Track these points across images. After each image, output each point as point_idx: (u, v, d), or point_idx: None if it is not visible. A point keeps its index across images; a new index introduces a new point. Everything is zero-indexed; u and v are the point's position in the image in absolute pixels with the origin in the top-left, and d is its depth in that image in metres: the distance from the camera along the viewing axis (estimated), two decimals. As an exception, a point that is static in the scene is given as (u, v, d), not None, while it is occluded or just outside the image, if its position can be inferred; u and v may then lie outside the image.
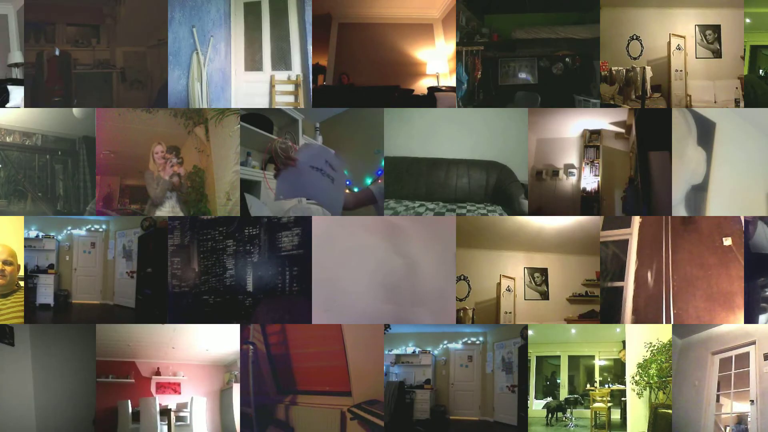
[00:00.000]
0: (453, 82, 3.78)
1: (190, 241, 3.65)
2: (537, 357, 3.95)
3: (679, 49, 3.74)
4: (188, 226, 3.66)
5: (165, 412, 3.94)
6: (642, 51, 3.76)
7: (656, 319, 3.49)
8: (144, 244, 3.86)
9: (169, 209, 3.66)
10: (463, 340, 3.96)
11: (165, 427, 3.90)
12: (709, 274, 3.47)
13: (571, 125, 3.78)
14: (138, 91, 3.82)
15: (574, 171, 3.85)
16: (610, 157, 3.81)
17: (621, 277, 3.57)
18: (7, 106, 3.74)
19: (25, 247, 3.71)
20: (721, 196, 3.58)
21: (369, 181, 3.99)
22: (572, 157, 3.86)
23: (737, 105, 3.66)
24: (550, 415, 3.91)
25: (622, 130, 3.78)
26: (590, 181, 3.80)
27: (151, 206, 3.67)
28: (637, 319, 3.51)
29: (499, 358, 3.89)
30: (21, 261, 3.71)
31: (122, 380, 3.89)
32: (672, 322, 3.49)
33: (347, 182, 3.98)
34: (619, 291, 3.56)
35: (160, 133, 3.67)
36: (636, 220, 3.55)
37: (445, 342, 3.97)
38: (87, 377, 3.71)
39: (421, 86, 3.99)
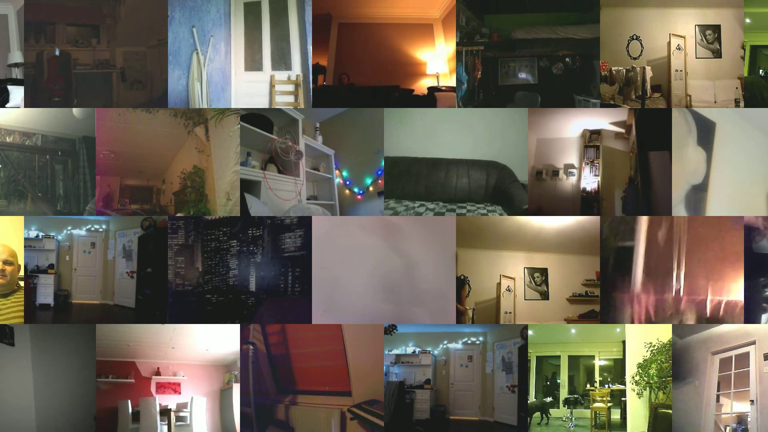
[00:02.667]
0: (453, 82, 3.78)
1: (194, 241, 3.65)
2: (537, 357, 3.95)
3: (679, 49, 3.74)
4: (192, 226, 3.66)
5: (165, 412, 3.94)
6: (642, 51, 3.76)
7: (666, 277, 3.48)
8: (144, 244, 3.86)
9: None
10: (463, 340, 3.96)
11: (165, 427, 3.90)
12: (722, 235, 3.46)
13: (571, 125, 3.78)
14: (138, 91, 3.82)
15: (574, 171, 3.85)
16: (610, 157, 3.80)
17: (632, 237, 3.55)
18: (7, 106, 3.74)
19: (25, 247, 3.71)
20: (721, 196, 3.58)
21: (369, 180, 3.99)
22: (572, 157, 3.86)
23: (737, 105, 3.66)
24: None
25: (622, 130, 3.78)
26: (590, 181, 3.80)
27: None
28: (648, 275, 3.50)
29: (499, 358, 3.89)
30: (21, 261, 3.71)
31: (122, 380, 3.89)
32: (682, 287, 3.48)
33: (347, 182, 3.99)
34: (630, 251, 3.54)
35: (160, 133, 3.67)
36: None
37: (445, 342, 3.97)
38: (87, 377, 3.71)
39: (421, 86, 3.99)
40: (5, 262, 3.64)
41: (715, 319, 3.51)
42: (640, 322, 3.57)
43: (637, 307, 3.57)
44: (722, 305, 3.50)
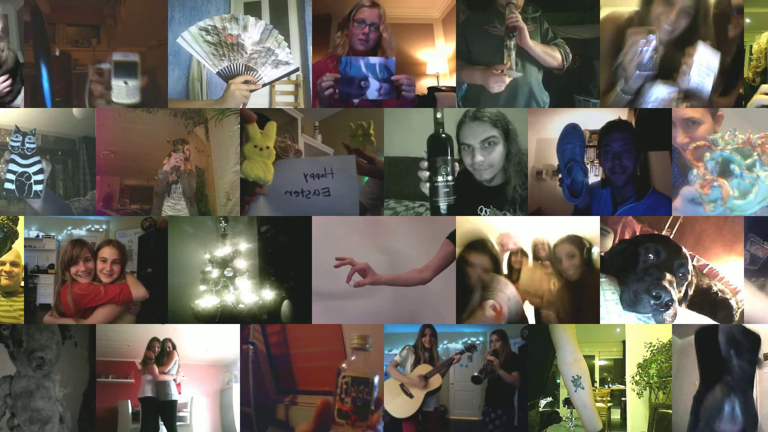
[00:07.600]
0: (453, 82, 3.78)
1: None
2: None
3: (679, 49, 3.74)
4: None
5: (165, 412, 3.94)
6: (642, 51, 3.75)
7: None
8: (144, 244, 3.86)
9: (170, 206, 3.65)
10: (463, 340, 3.96)
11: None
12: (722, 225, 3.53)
13: (571, 125, 3.77)
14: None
15: (574, 171, 3.84)
16: (610, 157, 3.79)
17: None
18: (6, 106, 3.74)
19: (25, 247, 3.72)
20: (721, 196, 3.57)
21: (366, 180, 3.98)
22: (572, 157, 3.84)
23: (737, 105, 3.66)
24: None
25: (622, 130, 3.77)
26: (591, 180, 3.79)
27: (156, 205, 3.67)
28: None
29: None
30: (21, 261, 3.72)
31: (122, 380, 3.89)
32: (673, 234, 3.53)
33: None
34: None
35: (160, 133, 3.67)
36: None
37: (445, 342, 3.97)
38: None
39: (421, 86, 3.98)
40: (12, 264, 3.66)
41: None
42: (623, 238, 3.57)
43: (622, 227, 3.59)
44: (706, 268, 3.53)
